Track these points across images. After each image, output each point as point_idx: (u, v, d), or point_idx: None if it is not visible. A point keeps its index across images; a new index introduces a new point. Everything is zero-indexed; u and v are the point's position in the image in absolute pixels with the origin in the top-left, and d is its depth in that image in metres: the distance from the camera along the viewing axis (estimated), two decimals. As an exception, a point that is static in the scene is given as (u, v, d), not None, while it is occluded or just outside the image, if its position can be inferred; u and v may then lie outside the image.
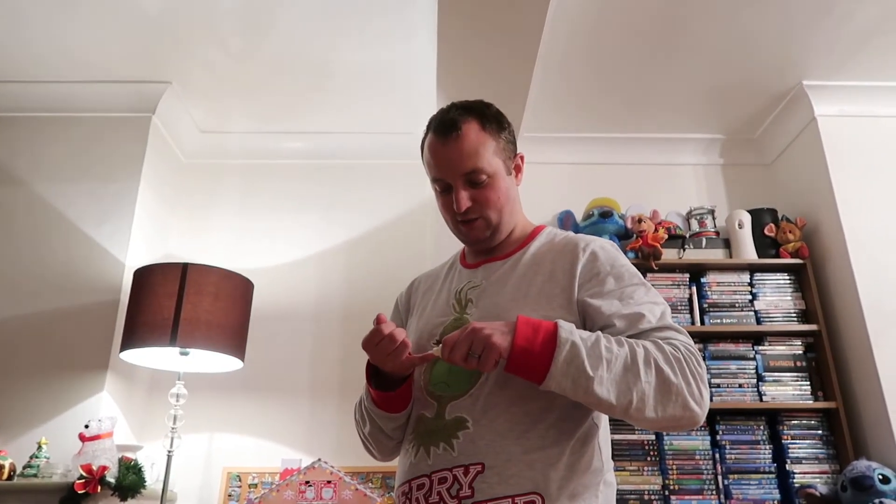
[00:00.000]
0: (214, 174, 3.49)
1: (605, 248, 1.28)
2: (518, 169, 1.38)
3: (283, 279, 3.26)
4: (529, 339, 1.06)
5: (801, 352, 2.88)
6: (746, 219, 3.09)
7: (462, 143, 1.27)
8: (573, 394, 1.07)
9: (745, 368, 2.85)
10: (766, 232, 3.07)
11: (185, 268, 2.51)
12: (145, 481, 2.43)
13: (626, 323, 1.16)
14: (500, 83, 2.69)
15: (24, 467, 2.39)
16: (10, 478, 2.36)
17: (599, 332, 1.12)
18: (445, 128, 1.29)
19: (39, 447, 2.45)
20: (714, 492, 2.68)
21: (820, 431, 2.76)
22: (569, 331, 1.08)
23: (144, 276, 2.54)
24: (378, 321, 1.16)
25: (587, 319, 1.20)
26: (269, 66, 3.01)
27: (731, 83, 3.09)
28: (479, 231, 1.32)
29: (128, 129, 3.12)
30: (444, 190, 1.31)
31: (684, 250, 3.04)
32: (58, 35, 2.82)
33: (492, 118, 1.33)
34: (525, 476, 1.09)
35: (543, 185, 3.22)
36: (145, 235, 3.07)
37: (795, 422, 2.78)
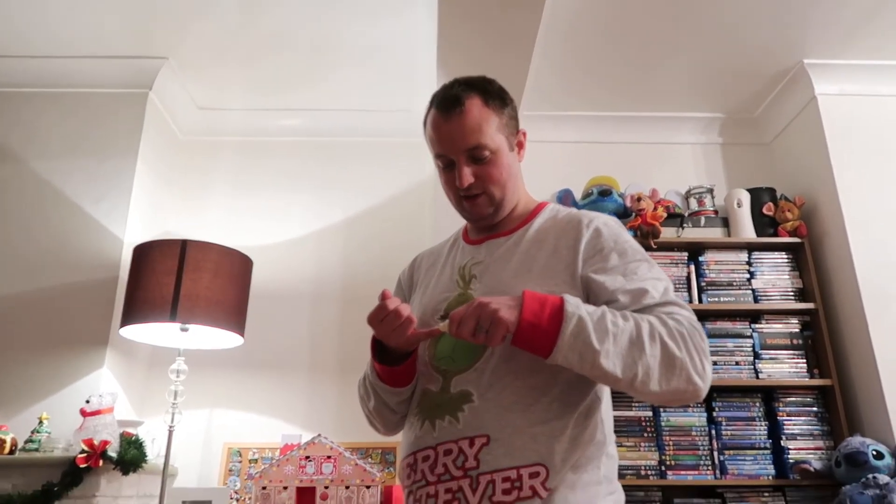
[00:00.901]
0: (212, 151, 3.47)
1: (609, 224, 1.29)
2: (520, 145, 1.37)
3: (282, 257, 3.26)
4: (536, 314, 1.07)
5: (797, 330, 2.91)
6: (745, 198, 3.10)
7: (465, 118, 1.27)
8: (580, 367, 1.08)
9: (741, 346, 2.87)
10: (764, 211, 3.08)
11: (184, 244, 2.51)
12: (147, 456, 2.44)
13: (629, 298, 1.16)
14: (501, 61, 2.66)
15: (26, 442, 2.41)
16: (11, 452, 2.37)
17: (605, 307, 1.12)
18: (448, 103, 1.28)
19: (40, 422, 2.46)
20: (710, 467, 2.71)
21: (815, 408, 2.79)
22: (575, 305, 1.09)
23: (144, 253, 2.54)
24: (383, 297, 1.17)
25: (591, 295, 1.20)
26: (267, 41, 2.98)
27: (731, 62, 3.08)
28: (482, 207, 1.32)
29: (125, 106, 3.10)
30: (447, 166, 1.31)
31: (683, 229, 3.05)
32: (54, 10, 2.79)
33: (495, 94, 1.32)
34: (530, 448, 1.10)
35: (542, 164, 3.20)
36: (143, 212, 3.05)
37: (791, 399, 2.81)
